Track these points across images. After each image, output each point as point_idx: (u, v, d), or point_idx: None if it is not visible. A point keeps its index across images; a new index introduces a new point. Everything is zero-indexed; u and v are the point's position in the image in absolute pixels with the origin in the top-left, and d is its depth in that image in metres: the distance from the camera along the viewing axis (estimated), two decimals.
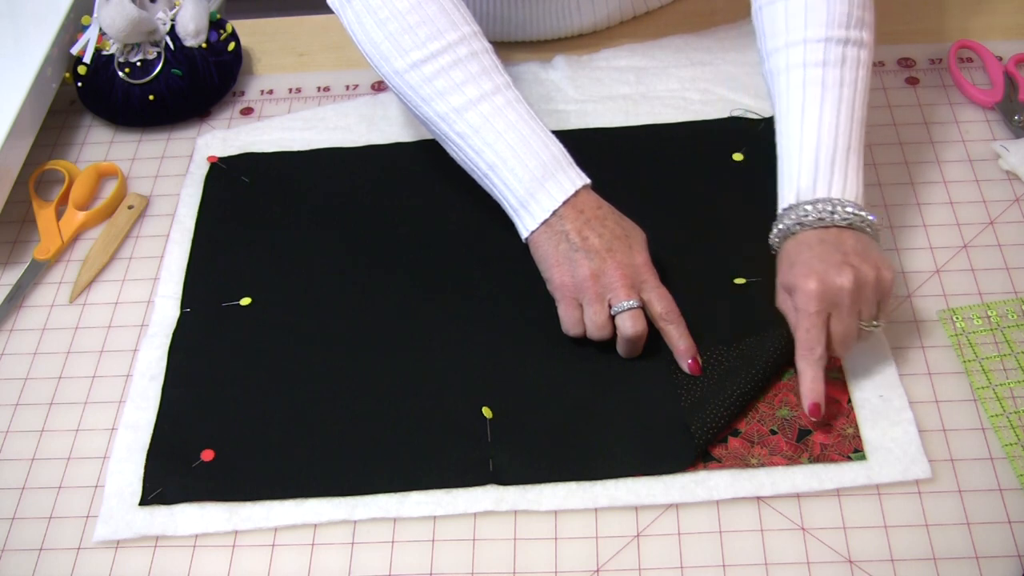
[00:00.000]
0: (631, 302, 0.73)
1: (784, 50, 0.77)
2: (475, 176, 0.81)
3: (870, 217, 0.72)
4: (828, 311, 0.70)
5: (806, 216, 0.72)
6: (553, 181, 0.76)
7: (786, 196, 0.75)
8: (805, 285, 0.70)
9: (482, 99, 0.78)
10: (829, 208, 0.72)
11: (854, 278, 0.69)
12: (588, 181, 0.77)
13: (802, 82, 0.76)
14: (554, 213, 0.76)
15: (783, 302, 0.74)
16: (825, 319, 0.70)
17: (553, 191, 0.76)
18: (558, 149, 0.78)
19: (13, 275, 0.89)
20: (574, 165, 0.78)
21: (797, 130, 0.75)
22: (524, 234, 0.77)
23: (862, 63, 0.77)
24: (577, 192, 0.76)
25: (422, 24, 0.78)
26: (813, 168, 0.73)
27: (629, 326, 0.73)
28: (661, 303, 0.74)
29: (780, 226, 0.74)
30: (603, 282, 0.74)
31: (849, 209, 0.72)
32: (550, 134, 0.78)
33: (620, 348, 0.75)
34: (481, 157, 0.78)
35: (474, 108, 0.77)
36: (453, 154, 0.81)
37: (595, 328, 0.74)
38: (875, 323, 0.71)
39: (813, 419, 0.71)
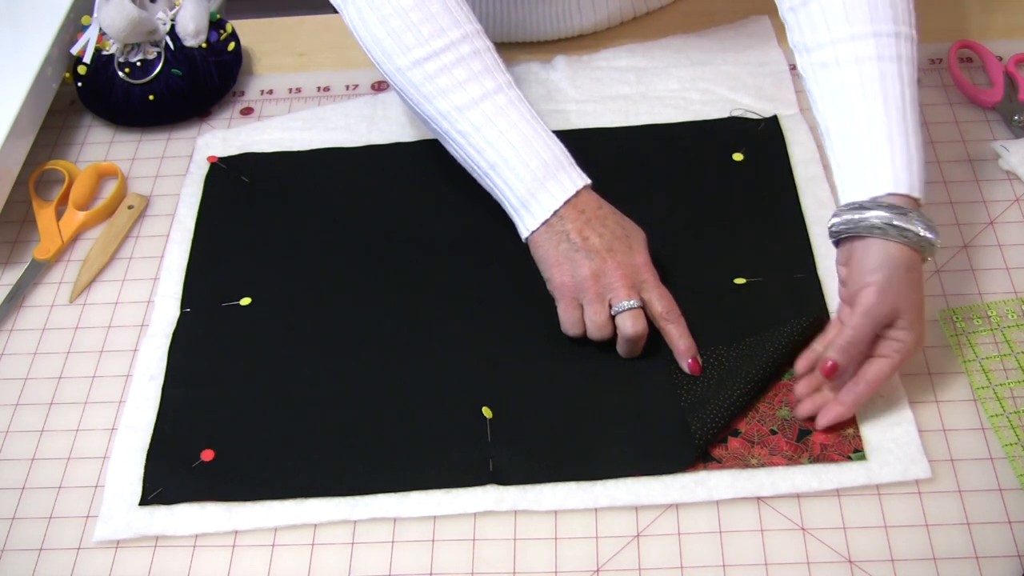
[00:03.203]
0: (631, 302, 0.73)
1: (830, 46, 0.73)
2: (476, 175, 0.81)
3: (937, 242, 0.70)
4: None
5: (892, 221, 0.68)
6: (554, 181, 0.76)
7: (867, 188, 0.69)
8: (918, 329, 0.69)
9: (484, 98, 0.78)
10: (919, 227, 0.68)
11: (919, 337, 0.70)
12: (589, 181, 0.77)
13: (859, 76, 0.72)
14: (555, 213, 0.76)
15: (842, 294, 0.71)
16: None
17: (554, 191, 0.76)
18: (559, 149, 0.78)
19: (13, 275, 0.89)
20: (575, 165, 0.78)
21: (864, 124, 0.71)
22: (524, 234, 0.78)
23: (912, 59, 0.73)
24: (578, 192, 0.76)
25: (425, 21, 0.78)
26: (890, 161, 0.69)
27: (629, 326, 0.73)
28: (661, 303, 0.74)
29: (866, 220, 0.69)
30: (603, 282, 0.74)
31: (925, 232, 0.68)
32: (551, 134, 0.78)
33: (620, 348, 0.75)
34: (482, 156, 0.78)
35: (476, 106, 0.77)
36: (454, 153, 0.81)
37: (595, 328, 0.74)
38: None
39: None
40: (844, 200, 0.71)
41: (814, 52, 0.75)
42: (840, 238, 0.71)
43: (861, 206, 0.69)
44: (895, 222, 0.68)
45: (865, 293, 0.68)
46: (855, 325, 0.69)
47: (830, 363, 0.69)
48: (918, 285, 0.69)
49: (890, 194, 0.69)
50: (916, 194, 0.69)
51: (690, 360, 0.74)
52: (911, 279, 0.69)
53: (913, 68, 0.73)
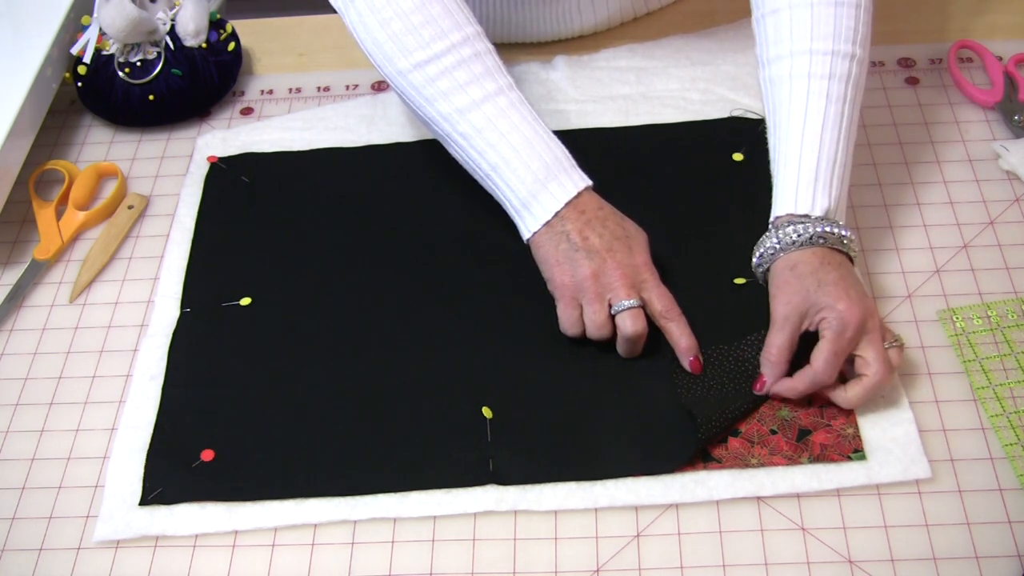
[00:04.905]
0: (631, 301, 0.73)
1: (788, 58, 0.76)
2: (477, 177, 0.81)
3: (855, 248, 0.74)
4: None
5: (810, 233, 0.71)
6: (555, 182, 0.76)
7: (785, 205, 0.74)
8: (839, 306, 0.69)
9: (485, 100, 0.78)
10: (838, 231, 0.72)
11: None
12: (590, 183, 0.77)
13: (806, 92, 0.75)
14: (556, 214, 0.76)
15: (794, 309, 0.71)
16: None
17: (555, 192, 0.76)
18: (560, 151, 0.78)
19: (13, 275, 0.89)
20: (576, 167, 0.78)
21: (797, 140, 0.74)
22: (526, 235, 0.78)
23: (861, 86, 0.77)
24: (579, 193, 0.76)
25: (426, 24, 0.78)
26: (812, 181, 0.73)
27: (629, 325, 0.73)
28: (661, 301, 0.74)
29: (790, 237, 0.72)
30: (603, 282, 0.74)
31: (846, 233, 0.72)
32: (552, 136, 0.78)
33: (620, 348, 0.75)
34: (484, 158, 0.78)
35: (477, 109, 0.78)
36: (455, 154, 0.81)
37: (595, 327, 0.74)
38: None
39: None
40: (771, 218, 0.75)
41: (767, 67, 0.79)
42: (764, 266, 0.75)
43: (768, 235, 0.73)
44: (779, 235, 0.72)
45: (771, 307, 0.72)
46: (773, 336, 0.71)
47: (760, 379, 0.72)
48: (831, 273, 0.70)
49: (789, 214, 0.73)
50: (817, 213, 0.72)
51: (691, 358, 0.74)
52: (817, 271, 0.71)
53: (847, 85, 0.75)
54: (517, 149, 0.77)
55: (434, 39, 0.78)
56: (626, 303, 0.73)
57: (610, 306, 0.74)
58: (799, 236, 0.71)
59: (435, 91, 0.79)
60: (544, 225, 0.76)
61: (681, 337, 0.74)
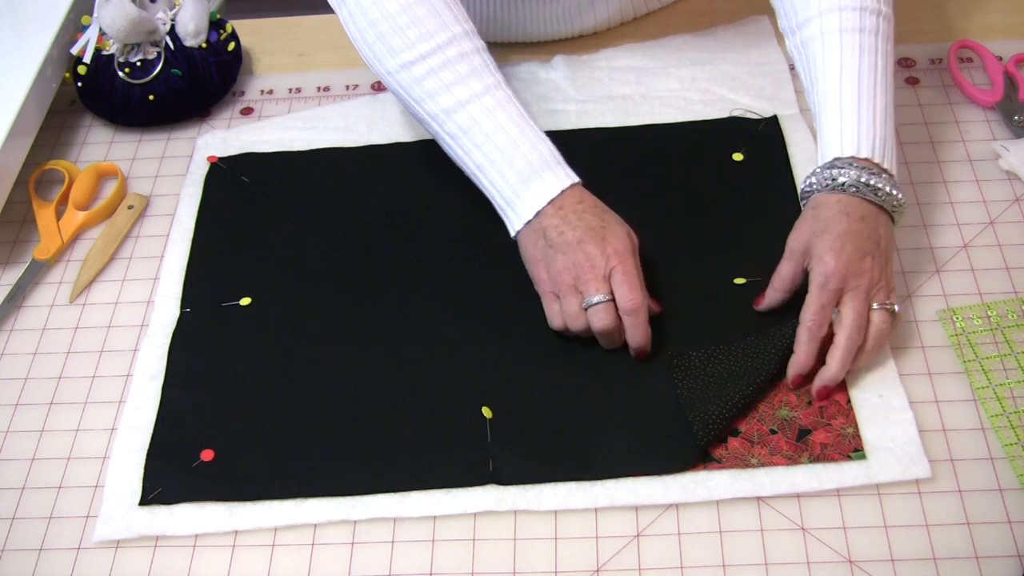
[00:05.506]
0: (600, 296, 0.73)
1: (817, 18, 0.78)
2: (469, 175, 0.81)
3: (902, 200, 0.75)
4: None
5: (857, 178, 0.73)
6: (540, 181, 0.76)
7: (831, 149, 0.75)
8: (830, 257, 0.72)
9: (471, 101, 0.78)
10: (872, 181, 0.73)
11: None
12: (576, 180, 0.77)
13: (839, 45, 0.77)
14: (537, 213, 0.76)
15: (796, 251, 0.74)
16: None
17: (539, 191, 0.76)
18: (547, 149, 0.78)
19: (13, 275, 0.89)
20: (563, 164, 0.78)
21: (836, 90, 0.76)
22: (512, 234, 0.78)
23: (891, 40, 0.79)
24: (563, 191, 0.76)
25: (411, 25, 0.78)
26: (855, 125, 0.75)
27: (596, 320, 0.73)
28: (622, 293, 0.73)
29: (827, 177, 0.74)
30: (575, 274, 0.74)
31: (880, 184, 0.73)
32: (540, 133, 0.78)
33: (599, 340, 0.75)
34: (470, 157, 0.78)
35: (462, 109, 0.78)
36: (448, 153, 0.82)
37: (570, 320, 0.75)
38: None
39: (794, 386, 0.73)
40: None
41: (797, 33, 0.81)
42: (804, 199, 0.77)
43: (815, 171, 0.76)
44: (824, 174, 0.74)
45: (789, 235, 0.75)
46: (780, 265, 0.75)
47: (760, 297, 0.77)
48: (841, 224, 0.72)
49: (836, 158, 0.75)
50: (864, 155, 0.74)
51: (640, 356, 0.75)
52: (831, 218, 0.73)
53: (877, 38, 0.78)
54: (502, 149, 0.77)
55: (420, 40, 0.78)
56: (595, 298, 0.73)
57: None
58: (832, 181, 0.74)
59: (422, 91, 0.79)
60: (526, 224, 0.76)
61: (632, 336, 0.74)
